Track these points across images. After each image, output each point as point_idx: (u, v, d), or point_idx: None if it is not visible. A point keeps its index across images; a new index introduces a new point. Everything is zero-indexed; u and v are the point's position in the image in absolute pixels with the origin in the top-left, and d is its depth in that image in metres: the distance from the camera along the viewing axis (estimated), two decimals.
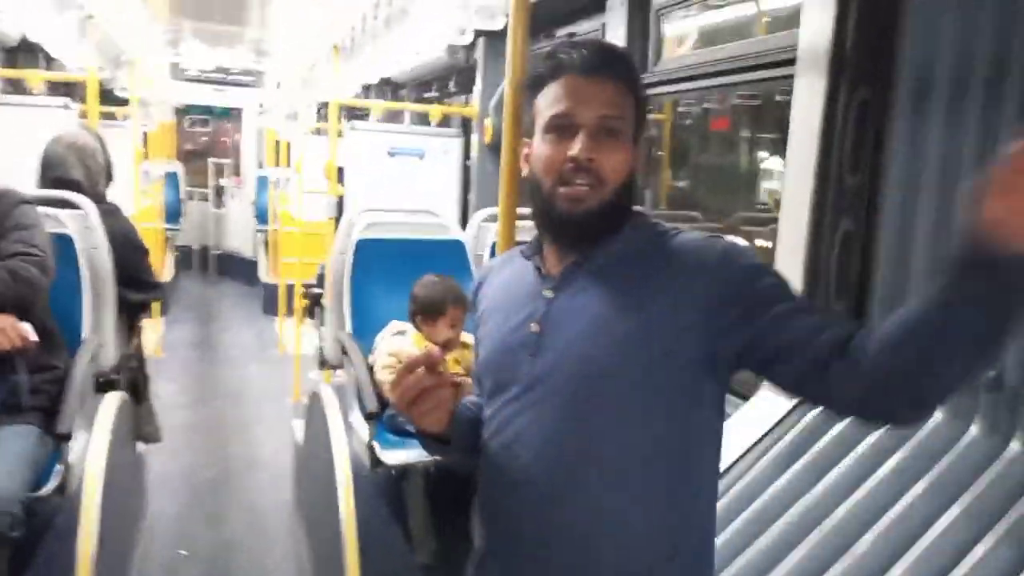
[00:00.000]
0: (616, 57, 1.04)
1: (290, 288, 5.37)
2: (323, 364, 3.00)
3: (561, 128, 0.99)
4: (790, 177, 1.81)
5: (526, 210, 2.36)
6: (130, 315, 2.67)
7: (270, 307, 6.81)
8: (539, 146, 1.01)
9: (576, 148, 0.96)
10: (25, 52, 3.98)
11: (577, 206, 0.98)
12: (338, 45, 3.53)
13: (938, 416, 1.56)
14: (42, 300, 1.91)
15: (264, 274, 7.64)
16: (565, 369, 0.99)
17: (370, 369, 2.43)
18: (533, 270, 1.08)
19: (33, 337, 1.78)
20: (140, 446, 2.88)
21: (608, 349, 0.97)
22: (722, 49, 2.38)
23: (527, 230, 2.34)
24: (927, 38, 1.58)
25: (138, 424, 2.76)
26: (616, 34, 2.86)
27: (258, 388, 5.21)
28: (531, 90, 1.05)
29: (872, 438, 1.64)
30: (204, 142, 10.41)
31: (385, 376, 2.37)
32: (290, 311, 5.54)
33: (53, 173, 2.48)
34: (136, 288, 2.62)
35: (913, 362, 0.81)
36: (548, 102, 1.00)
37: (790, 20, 2.08)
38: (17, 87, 3.67)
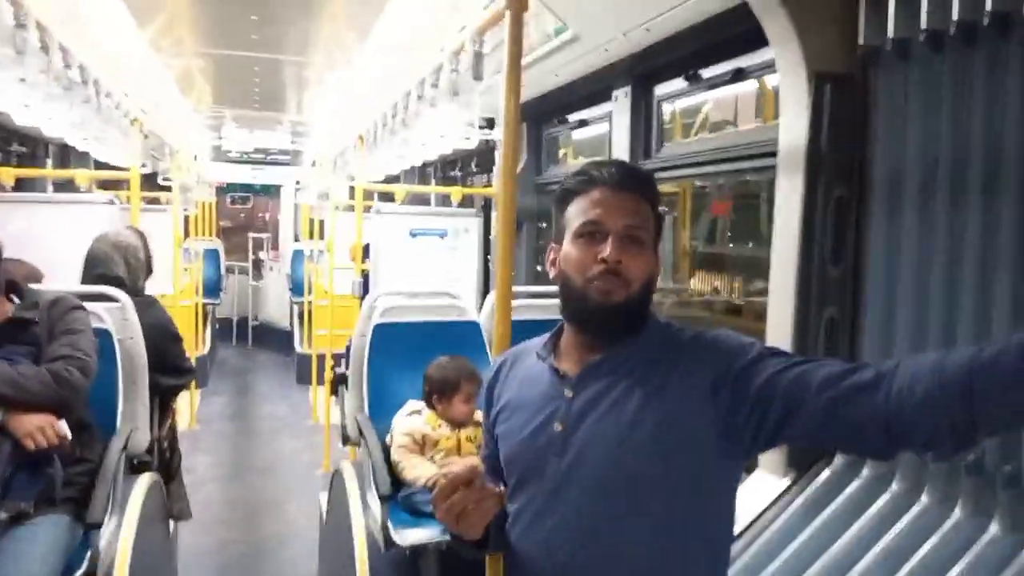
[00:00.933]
0: (640, 175, 1.15)
1: (321, 358, 5.52)
2: (346, 440, 3.10)
3: (592, 234, 1.08)
4: (776, 266, 1.89)
5: (522, 288, 2.41)
6: (163, 398, 2.82)
7: (304, 376, 6.96)
8: (569, 249, 1.10)
9: (607, 252, 1.06)
10: (76, 149, 4.29)
11: (608, 297, 1.06)
12: (363, 136, 3.75)
13: (924, 500, 1.60)
14: (82, 398, 2.05)
15: (299, 344, 7.83)
16: (592, 469, 1.06)
17: (387, 449, 2.52)
18: (549, 370, 1.15)
19: (68, 435, 1.91)
20: (171, 523, 2.98)
21: (631, 449, 1.04)
22: (715, 139, 2.50)
23: (524, 308, 2.42)
24: (894, 141, 1.69)
25: (169, 502, 2.87)
26: (621, 121, 3.01)
27: (290, 459, 5.29)
28: (562, 200, 1.14)
29: (865, 516, 1.68)
30: (243, 218, 10.84)
31: (400, 457, 2.46)
32: (322, 381, 5.68)
33: (97, 270, 2.68)
34: (170, 373, 2.77)
35: (989, 409, 0.82)
36: (579, 210, 1.10)
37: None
38: (68, 182, 3.94)
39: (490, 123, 2.35)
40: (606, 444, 1.05)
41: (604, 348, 1.11)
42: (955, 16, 1.54)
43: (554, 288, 1.16)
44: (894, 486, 1.69)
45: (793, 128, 1.81)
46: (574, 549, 1.06)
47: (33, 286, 2.22)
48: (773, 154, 2.00)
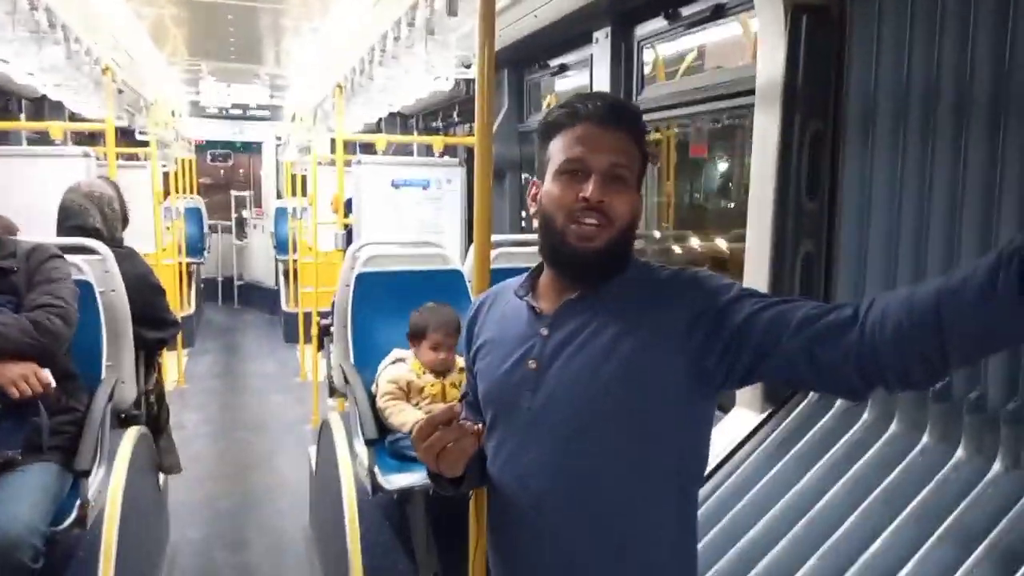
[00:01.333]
0: (627, 111, 1.11)
1: (308, 316, 5.52)
2: (332, 392, 3.13)
3: (574, 171, 1.05)
4: (753, 202, 1.90)
5: (503, 236, 2.41)
6: (148, 352, 2.82)
7: (291, 335, 6.97)
8: (551, 186, 1.08)
9: (589, 190, 1.03)
10: (50, 102, 4.20)
11: (587, 244, 1.05)
12: (341, 84, 3.68)
13: (894, 428, 1.64)
14: (64, 347, 2.05)
15: (285, 303, 7.82)
16: (563, 408, 1.07)
17: (372, 397, 2.55)
18: (527, 309, 1.15)
19: (52, 383, 1.92)
20: (162, 477, 3.02)
21: (602, 385, 1.05)
22: (696, 79, 2.48)
23: (503, 257, 2.43)
24: (867, 76, 1.69)
25: (159, 456, 2.90)
26: (602, 65, 2.98)
27: (279, 416, 5.33)
28: (545, 134, 1.11)
29: (837, 446, 1.73)
30: (225, 176, 10.71)
31: (385, 404, 2.49)
32: (309, 339, 5.69)
33: (72, 222, 2.65)
34: (154, 326, 2.76)
35: (958, 337, 0.82)
36: (562, 147, 1.07)
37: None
38: (42, 137, 3.87)
39: (469, 67, 2.32)
40: (577, 383, 1.06)
41: (581, 287, 1.10)
42: None
43: (535, 236, 1.15)
44: (865, 415, 1.74)
45: (770, 62, 1.80)
46: (548, 483, 1.08)
47: (10, 238, 2.20)
48: (753, 92, 1.99)
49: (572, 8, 2.68)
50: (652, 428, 1.05)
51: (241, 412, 5.45)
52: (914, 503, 1.50)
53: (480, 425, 1.11)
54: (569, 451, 1.06)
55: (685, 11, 2.44)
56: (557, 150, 1.08)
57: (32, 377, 1.87)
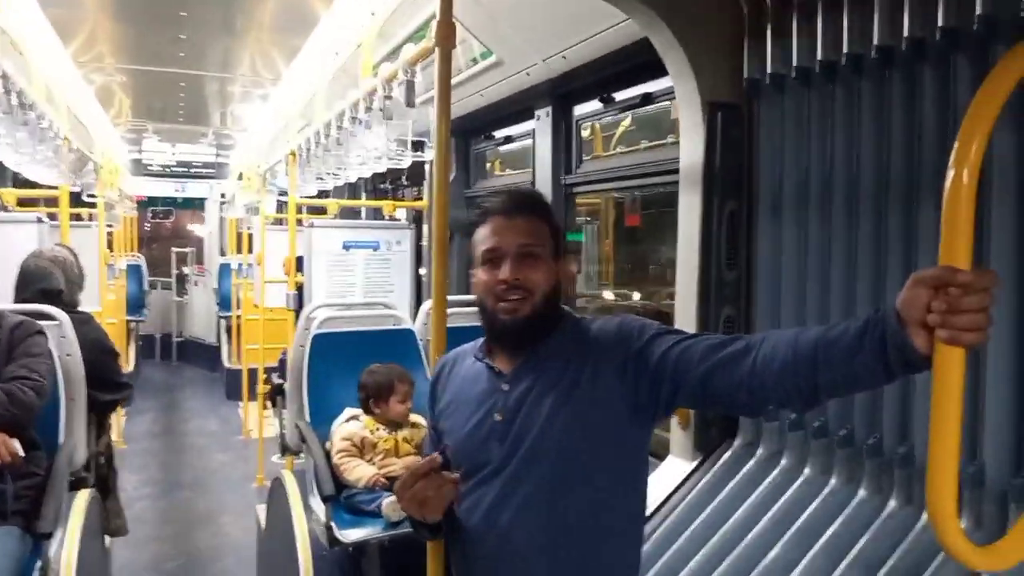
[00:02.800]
0: (529, 199, 1.33)
1: (252, 373, 5.51)
2: (284, 450, 3.18)
3: (492, 259, 1.25)
4: (680, 272, 2.14)
5: (458, 298, 2.61)
6: (99, 414, 2.85)
7: (233, 392, 6.90)
8: (478, 275, 1.28)
9: (504, 272, 1.23)
10: None
11: (513, 315, 1.23)
12: (295, 152, 3.83)
13: (807, 472, 1.85)
14: (34, 418, 2.10)
15: (227, 360, 7.74)
16: (529, 450, 1.22)
17: (327, 454, 2.64)
18: (486, 369, 1.32)
19: (21, 453, 1.97)
20: (107, 539, 3.00)
21: (560, 429, 1.21)
22: (628, 156, 2.74)
23: (460, 316, 2.59)
24: (773, 163, 1.96)
25: (106, 518, 2.89)
26: (543, 138, 3.23)
27: (222, 475, 5.26)
28: (469, 233, 1.33)
29: (760, 489, 1.92)
30: (166, 232, 10.60)
31: (341, 460, 2.58)
32: (253, 396, 5.67)
33: (38, 285, 2.70)
34: (107, 389, 2.80)
35: (828, 377, 1.00)
36: (480, 240, 1.27)
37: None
38: None
39: (419, 145, 2.53)
40: (538, 430, 1.22)
41: (528, 349, 1.28)
42: (819, 56, 1.82)
43: None
44: (783, 462, 1.95)
45: (690, 150, 2.06)
46: (514, 520, 1.22)
47: None
48: (676, 171, 2.24)
49: (515, 90, 2.93)
50: (603, 463, 1.21)
51: (184, 471, 5.36)
52: (825, 537, 1.70)
53: (457, 473, 1.25)
54: (534, 491, 1.21)
55: (618, 96, 2.72)
56: (478, 243, 1.29)
57: (2, 447, 1.91)
